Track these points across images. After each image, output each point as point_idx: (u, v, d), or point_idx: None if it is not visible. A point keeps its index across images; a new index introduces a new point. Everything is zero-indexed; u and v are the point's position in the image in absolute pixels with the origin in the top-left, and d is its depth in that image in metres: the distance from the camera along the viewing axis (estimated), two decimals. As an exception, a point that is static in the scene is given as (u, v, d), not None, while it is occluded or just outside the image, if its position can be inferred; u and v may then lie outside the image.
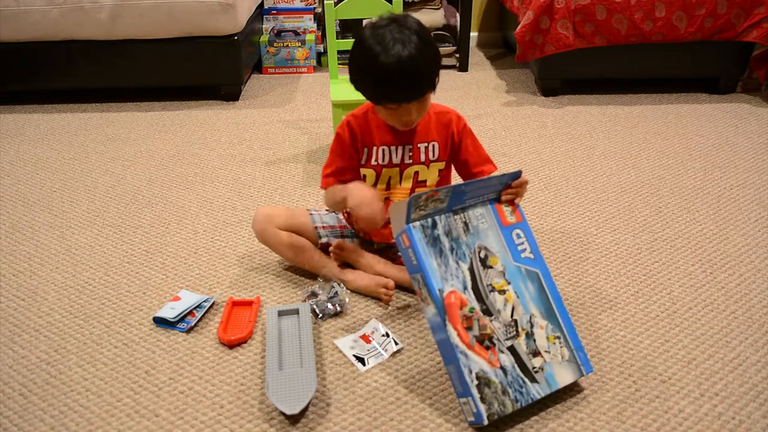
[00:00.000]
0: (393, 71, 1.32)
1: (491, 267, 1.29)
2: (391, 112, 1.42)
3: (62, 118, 2.78)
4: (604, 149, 2.41)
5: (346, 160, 1.55)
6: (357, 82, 1.43)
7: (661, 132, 2.55)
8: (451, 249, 1.26)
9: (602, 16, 2.69)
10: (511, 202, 1.37)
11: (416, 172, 1.55)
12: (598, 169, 2.26)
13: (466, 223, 1.30)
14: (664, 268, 1.71)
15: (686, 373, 1.36)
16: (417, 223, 1.24)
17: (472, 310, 1.23)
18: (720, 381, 1.34)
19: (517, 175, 1.35)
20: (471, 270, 1.26)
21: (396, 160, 1.53)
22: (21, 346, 1.46)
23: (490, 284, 1.27)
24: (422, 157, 1.54)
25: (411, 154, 1.53)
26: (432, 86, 1.40)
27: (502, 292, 1.28)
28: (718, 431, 1.22)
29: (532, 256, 1.34)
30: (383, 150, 1.53)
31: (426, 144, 1.53)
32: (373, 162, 1.54)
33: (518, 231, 1.35)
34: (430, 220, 1.26)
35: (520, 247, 1.34)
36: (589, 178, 2.20)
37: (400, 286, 1.59)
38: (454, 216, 1.29)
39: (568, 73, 2.90)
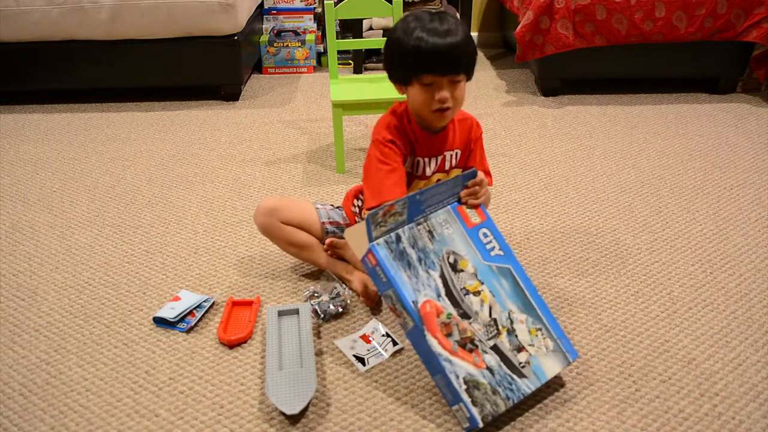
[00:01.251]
0: (433, 38, 1.32)
1: (462, 270, 1.28)
2: (425, 90, 1.37)
3: (62, 118, 2.78)
4: (604, 149, 2.41)
5: (402, 167, 1.46)
6: (393, 56, 1.41)
7: (661, 132, 2.55)
8: (419, 259, 1.24)
9: (602, 16, 2.69)
10: (471, 203, 1.36)
11: (438, 179, 1.54)
12: (598, 169, 2.26)
13: (430, 232, 1.28)
14: (664, 268, 1.71)
15: (686, 373, 1.36)
16: (381, 240, 1.22)
17: (449, 316, 1.22)
18: (720, 381, 1.34)
19: (473, 174, 1.35)
20: (442, 277, 1.25)
21: (429, 172, 1.52)
22: (21, 346, 1.46)
23: (464, 287, 1.26)
24: (447, 165, 1.53)
25: (439, 163, 1.52)
26: (468, 70, 1.39)
27: (477, 293, 1.27)
28: (718, 431, 1.22)
29: (501, 252, 1.34)
30: (418, 161, 1.50)
31: (452, 152, 1.53)
32: (410, 169, 1.51)
33: (484, 230, 1.35)
34: (393, 234, 1.24)
35: (488, 246, 1.33)
36: (589, 178, 2.20)
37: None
38: (417, 226, 1.27)
39: (568, 73, 2.90)
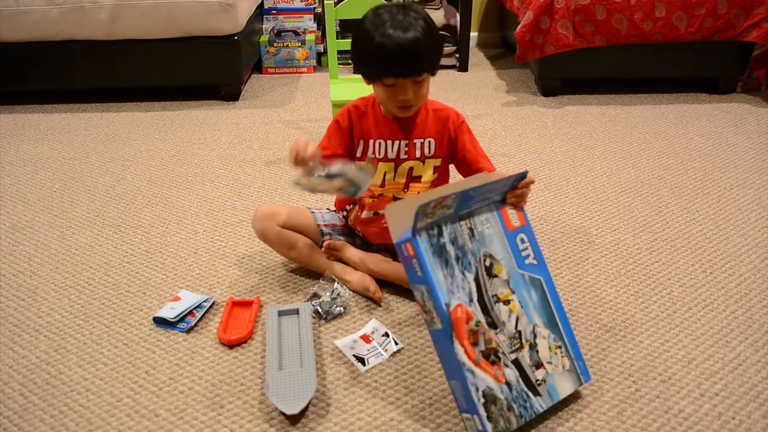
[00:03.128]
0: (393, 41, 1.34)
1: (496, 276, 1.25)
2: (388, 90, 1.42)
3: (62, 118, 2.78)
4: (604, 149, 2.41)
5: (340, 147, 1.55)
6: (357, 57, 1.45)
7: (661, 132, 2.55)
8: (457, 258, 1.21)
9: (602, 16, 2.69)
10: (516, 205, 1.34)
11: (411, 168, 1.54)
12: (598, 169, 2.26)
13: (471, 229, 1.25)
14: (664, 268, 1.71)
15: (686, 373, 1.36)
16: (423, 232, 1.18)
17: (478, 323, 1.19)
18: (720, 381, 1.34)
19: (523, 175, 1.32)
20: (476, 280, 1.22)
21: (391, 154, 1.53)
22: (21, 346, 1.46)
23: (495, 294, 1.23)
24: (417, 153, 1.54)
25: (407, 149, 1.53)
26: (431, 68, 1.41)
27: (507, 302, 1.24)
28: (718, 431, 1.22)
29: (535, 262, 1.31)
30: (379, 143, 1.53)
31: (422, 140, 1.53)
32: (369, 155, 1.54)
33: (522, 236, 1.31)
34: (435, 228, 1.20)
35: (524, 253, 1.30)
36: (589, 178, 2.20)
37: (398, 285, 1.59)
38: (459, 221, 1.24)
39: (568, 73, 2.90)
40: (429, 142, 1.54)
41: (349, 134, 1.55)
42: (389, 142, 1.53)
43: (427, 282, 1.17)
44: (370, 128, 1.54)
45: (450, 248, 1.21)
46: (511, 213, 1.32)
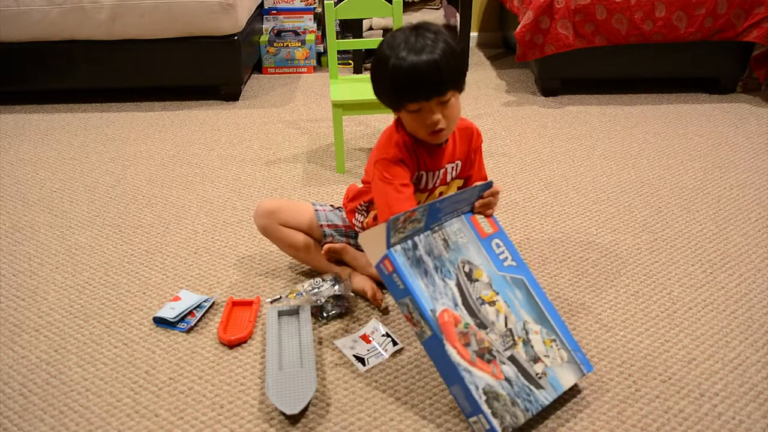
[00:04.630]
0: (409, 64, 1.28)
1: (477, 280, 1.27)
2: (415, 117, 1.36)
3: (62, 118, 2.78)
4: (604, 149, 2.41)
5: (411, 183, 1.45)
6: (378, 88, 1.39)
7: (661, 132, 2.55)
8: (435, 268, 1.23)
9: (602, 16, 2.69)
10: (485, 213, 1.35)
11: (441, 193, 1.53)
12: (598, 169, 2.26)
13: (445, 240, 1.27)
14: (664, 268, 1.71)
15: (686, 373, 1.36)
16: (398, 247, 1.21)
17: (467, 325, 1.21)
18: (720, 381, 1.34)
19: (489, 185, 1.34)
20: (458, 286, 1.24)
21: (431, 185, 1.50)
22: (21, 346, 1.46)
23: (480, 297, 1.25)
24: (448, 178, 1.52)
25: (441, 177, 1.51)
26: (455, 86, 1.35)
27: (492, 303, 1.26)
28: (718, 431, 1.22)
29: (514, 263, 1.33)
30: (422, 175, 1.48)
31: (452, 164, 1.51)
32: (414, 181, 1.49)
33: (497, 241, 1.34)
34: (410, 241, 1.23)
35: (501, 257, 1.33)
36: (589, 178, 2.20)
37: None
38: (432, 234, 1.26)
39: (568, 73, 2.90)
40: (457, 164, 1.52)
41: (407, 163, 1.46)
42: (430, 174, 1.48)
43: (410, 292, 1.19)
44: (417, 160, 1.46)
45: (427, 259, 1.23)
46: (482, 221, 1.35)
